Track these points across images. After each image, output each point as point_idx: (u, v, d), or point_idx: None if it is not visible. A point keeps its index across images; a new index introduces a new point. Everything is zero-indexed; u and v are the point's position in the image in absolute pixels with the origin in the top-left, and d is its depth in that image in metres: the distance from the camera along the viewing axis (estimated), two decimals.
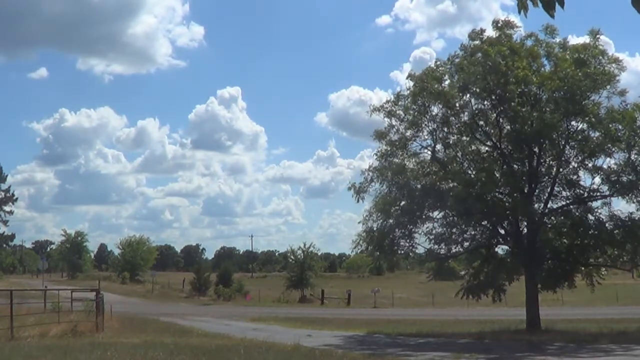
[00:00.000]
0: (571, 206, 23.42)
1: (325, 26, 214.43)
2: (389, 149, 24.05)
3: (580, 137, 22.43)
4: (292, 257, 63.28)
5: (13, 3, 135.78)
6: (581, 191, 23.10)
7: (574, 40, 23.85)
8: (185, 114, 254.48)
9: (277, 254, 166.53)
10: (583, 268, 23.35)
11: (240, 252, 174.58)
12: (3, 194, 73.60)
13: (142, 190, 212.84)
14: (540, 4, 4.31)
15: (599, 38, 22.65)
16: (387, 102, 24.48)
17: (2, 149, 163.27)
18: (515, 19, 24.54)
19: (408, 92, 23.91)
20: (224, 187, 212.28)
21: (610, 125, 21.45)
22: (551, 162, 23.46)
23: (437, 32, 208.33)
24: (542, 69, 23.08)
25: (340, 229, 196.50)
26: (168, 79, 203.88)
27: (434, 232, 23.74)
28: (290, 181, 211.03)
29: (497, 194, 22.51)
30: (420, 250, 24.62)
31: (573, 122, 22.49)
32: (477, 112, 23.63)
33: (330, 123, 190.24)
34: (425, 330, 23.76)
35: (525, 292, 23.50)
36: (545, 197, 23.42)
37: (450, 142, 24.08)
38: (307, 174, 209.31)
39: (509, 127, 22.95)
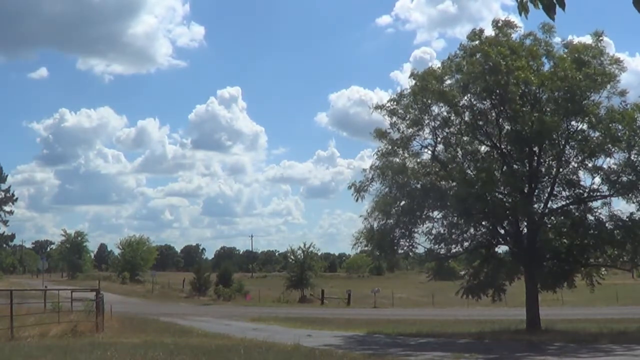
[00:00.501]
0: (571, 206, 23.42)
1: (326, 26, 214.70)
2: (390, 148, 24.06)
3: (580, 137, 22.43)
4: (292, 257, 63.28)
5: (13, 3, 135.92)
6: (581, 191, 23.11)
7: (575, 40, 23.84)
8: (186, 114, 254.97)
9: (277, 254, 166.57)
10: (583, 268, 23.34)
11: (240, 252, 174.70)
12: (3, 194, 73.62)
13: (142, 190, 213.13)
14: (540, 6, 4.32)
15: (602, 39, 22.65)
16: (389, 100, 24.54)
17: (2, 149, 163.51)
18: (515, 19, 24.54)
19: (410, 90, 23.93)
20: (224, 187, 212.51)
21: (610, 125, 21.45)
22: (551, 162, 23.46)
23: (438, 32, 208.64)
24: (542, 68, 23.08)
25: (340, 229, 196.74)
26: (168, 79, 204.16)
27: (434, 231, 23.77)
28: (290, 181, 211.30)
29: (497, 194, 22.50)
30: (420, 250, 24.66)
31: (573, 122, 22.50)
32: (477, 112, 23.64)
33: (331, 123, 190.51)
34: (425, 330, 23.76)
35: (525, 292, 23.50)
36: (545, 197, 23.42)
37: (451, 141, 24.08)
38: (307, 174, 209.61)
39: (509, 127, 22.95)
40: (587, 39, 23.14)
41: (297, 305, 49.61)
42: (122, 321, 24.00)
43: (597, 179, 22.89)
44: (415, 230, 24.03)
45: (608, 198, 22.74)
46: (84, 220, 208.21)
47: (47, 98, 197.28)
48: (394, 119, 24.15)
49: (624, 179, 21.94)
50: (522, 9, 4.48)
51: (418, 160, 24.33)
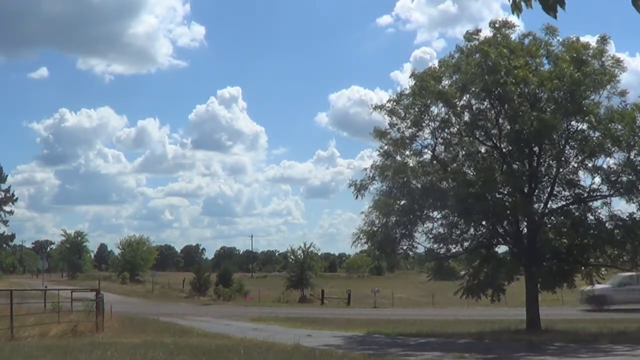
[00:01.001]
0: (571, 206, 23.41)
1: (326, 26, 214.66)
2: (390, 147, 24.06)
3: (580, 137, 22.43)
4: (292, 257, 63.26)
5: (13, 3, 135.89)
6: (581, 191, 23.11)
7: (575, 39, 23.76)
8: (186, 114, 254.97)
9: (277, 254, 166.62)
10: (583, 268, 23.31)
11: (240, 252, 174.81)
12: (3, 194, 73.65)
13: (142, 190, 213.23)
14: (533, 6, 4.34)
15: (607, 42, 22.67)
16: (389, 100, 24.53)
17: (2, 149, 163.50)
18: (514, 19, 24.53)
19: (409, 90, 23.93)
20: (224, 187, 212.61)
21: (610, 125, 21.45)
22: (551, 162, 23.46)
23: (438, 32, 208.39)
24: (541, 68, 23.08)
25: (340, 229, 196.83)
26: (168, 79, 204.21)
27: (433, 231, 23.76)
28: (291, 181, 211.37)
29: (497, 194, 22.50)
30: (420, 249, 24.66)
31: (573, 122, 22.49)
32: (477, 112, 23.64)
33: (331, 123, 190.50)
34: (425, 330, 23.74)
35: (525, 292, 23.49)
36: (545, 197, 23.42)
37: (451, 142, 24.08)
38: (307, 174, 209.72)
39: (509, 127, 22.95)
40: (588, 39, 23.18)
41: (297, 305, 49.58)
42: (122, 321, 24.00)
43: (597, 179, 22.90)
44: (415, 230, 24.05)
45: (608, 198, 22.74)
46: (84, 220, 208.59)
47: (47, 98, 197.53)
48: (394, 119, 24.17)
49: (624, 179, 21.94)
50: (516, 8, 4.50)
51: (419, 159, 24.35)
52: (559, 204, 23.56)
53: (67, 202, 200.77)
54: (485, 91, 22.53)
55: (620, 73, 22.47)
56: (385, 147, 24.18)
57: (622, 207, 22.73)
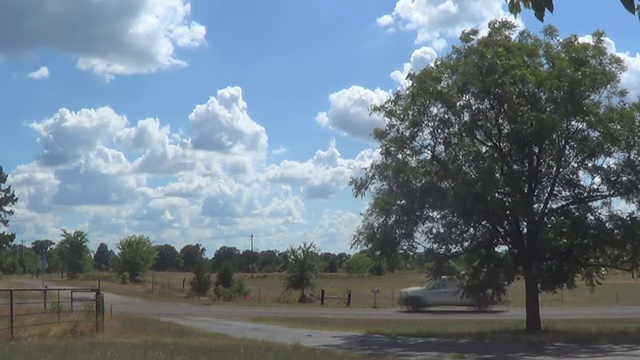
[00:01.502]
0: (571, 206, 23.42)
1: (326, 26, 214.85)
2: (390, 147, 24.06)
3: (580, 137, 22.44)
4: (292, 257, 63.26)
5: (13, 2, 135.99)
6: (581, 191, 23.11)
7: (574, 39, 23.76)
8: (186, 114, 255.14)
9: (277, 254, 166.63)
10: (583, 268, 23.32)
11: (240, 252, 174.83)
12: (3, 194, 73.51)
13: (143, 190, 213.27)
14: (530, 5, 4.34)
15: (602, 40, 22.64)
16: (388, 101, 24.49)
17: (2, 149, 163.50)
18: (513, 18, 24.50)
19: (408, 91, 23.91)
20: (224, 187, 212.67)
21: (610, 125, 21.45)
22: (551, 162, 23.47)
23: (439, 32, 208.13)
24: (541, 68, 23.07)
25: (341, 229, 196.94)
26: (169, 79, 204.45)
27: (433, 231, 23.77)
28: (291, 181, 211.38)
29: (497, 194, 22.50)
30: (420, 249, 24.66)
31: (573, 122, 22.49)
32: (476, 112, 23.63)
33: (331, 123, 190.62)
34: (425, 330, 23.75)
35: (525, 292, 23.50)
36: (545, 197, 23.42)
37: (451, 142, 24.06)
38: (307, 174, 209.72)
39: (508, 127, 22.95)
40: (587, 39, 23.17)
41: (297, 305, 49.58)
42: (122, 321, 24.00)
43: (597, 179, 22.94)
44: (415, 229, 24.06)
45: (608, 198, 22.75)
46: (84, 220, 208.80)
47: (48, 98, 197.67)
48: (393, 120, 24.15)
49: (624, 178, 21.95)
50: (514, 8, 4.51)
51: (419, 158, 24.35)
52: (559, 204, 23.57)
53: (67, 202, 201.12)
54: (484, 91, 22.52)
55: (620, 73, 22.52)
56: (387, 145, 24.17)
57: (622, 207, 22.80)
